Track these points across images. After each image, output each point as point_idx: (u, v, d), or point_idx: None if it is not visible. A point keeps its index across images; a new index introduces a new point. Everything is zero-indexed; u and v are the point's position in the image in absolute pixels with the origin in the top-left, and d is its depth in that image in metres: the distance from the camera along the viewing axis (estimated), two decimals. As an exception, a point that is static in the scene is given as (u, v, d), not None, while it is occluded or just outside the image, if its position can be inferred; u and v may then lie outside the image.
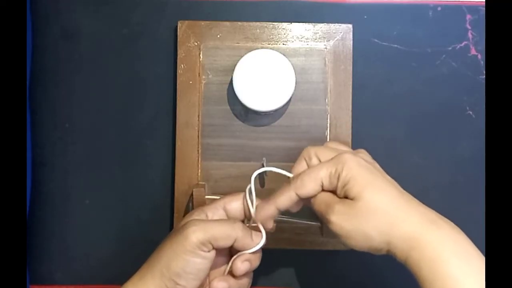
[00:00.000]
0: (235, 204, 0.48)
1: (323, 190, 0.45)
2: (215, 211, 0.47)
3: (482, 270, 0.41)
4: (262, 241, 0.46)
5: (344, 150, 0.48)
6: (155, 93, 0.57)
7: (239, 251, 0.46)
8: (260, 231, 0.47)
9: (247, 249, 0.46)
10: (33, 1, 0.57)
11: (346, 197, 0.44)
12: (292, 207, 0.46)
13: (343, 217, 0.43)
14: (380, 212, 0.42)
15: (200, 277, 0.44)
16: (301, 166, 0.47)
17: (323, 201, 0.45)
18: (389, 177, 0.45)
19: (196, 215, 0.47)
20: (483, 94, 0.56)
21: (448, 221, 0.44)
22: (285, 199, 0.45)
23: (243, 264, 0.46)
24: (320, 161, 0.46)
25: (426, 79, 0.57)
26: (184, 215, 0.55)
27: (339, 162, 0.44)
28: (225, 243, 0.45)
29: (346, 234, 0.43)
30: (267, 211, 0.46)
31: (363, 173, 0.43)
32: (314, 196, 0.45)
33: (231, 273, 0.47)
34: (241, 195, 0.48)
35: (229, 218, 0.48)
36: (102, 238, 0.57)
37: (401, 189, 0.45)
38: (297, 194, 0.45)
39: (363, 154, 0.47)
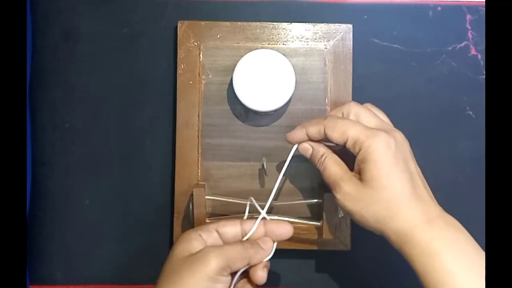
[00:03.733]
0: (229, 229, 0.48)
1: (344, 145, 0.46)
2: (209, 234, 0.47)
3: (478, 265, 0.41)
4: (275, 244, 0.48)
5: (383, 124, 0.48)
6: (155, 93, 0.57)
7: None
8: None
9: (262, 260, 0.47)
10: (33, 1, 0.57)
11: (359, 171, 0.45)
12: (317, 139, 0.49)
13: (348, 197, 0.45)
14: (382, 203, 0.44)
15: None
16: (336, 114, 0.49)
17: (331, 175, 0.47)
18: (411, 166, 0.46)
19: (193, 238, 0.47)
20: (483, 94, 0.56)
21: (450, 219, 0.45)
22: (315, 129, 0.48)
23: (263, 271, 0.47)
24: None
25: (426, 79, 0.57)
26: (184, 216, 0.55)
27: (371, 136, 0.45)
28: (242, 264, 0.46)
29: (347, 211, 0.46)
30: (298, 134, 0.49)
31: (385, 160, 0.44)
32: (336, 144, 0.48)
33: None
34: (237, 221, 0.49)
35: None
36: (102, 238, 0.57)
37: (416, 181, 0.45)
38: (325, 131, 0.47)
39: (398, 134, 0.47)
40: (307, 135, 0.49)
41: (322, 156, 0.48)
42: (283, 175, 0.50)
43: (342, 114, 0.49)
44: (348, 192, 0.45)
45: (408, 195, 0.44)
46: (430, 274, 0.42)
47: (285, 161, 0.50)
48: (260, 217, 0.49)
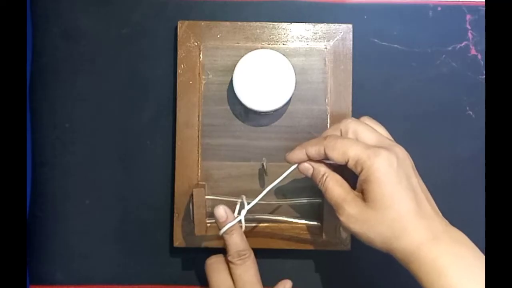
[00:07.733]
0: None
1: (345, 164, 0.46)
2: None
3: (483, 279, 0.41)
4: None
5: (383, 139, 0.47)
6: (155, 93, 0.57)
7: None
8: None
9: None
10: (33, 1, 0.57)
11: (362, 190, 0.45)
12: (317, 159, 0.48)
13: (352, 220, 0.45)
14: (387, 223, 0.44)
15: None
16: (334, 133, 0.48)
17: (333, 197, 0.46)
18: (414, 182, 0.45)
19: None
20: (483, 94, 0.56)
21: (456, 234, 0.44)
22: (315, 150, 0.47)
23: None
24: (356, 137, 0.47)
25: (426, 79, 0.57)
26: (184, 216, 0.55)
27: (372, 156, 0.44)
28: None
29: (352, 232, 0.46)
30: (297, 154, 0.49)
31: (388, 179, 0.44)
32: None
33: None
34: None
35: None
36: (102, 238, 0.57)
37: (420, 198, 0.44)
38: (325, 151, 0.46)
39: (399, 149, 0.46)
40: (307, 155, 0.48)
41: (323, 176, 0.47)
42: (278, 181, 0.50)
43: (340, 132, 0.48)
44: (352, 215, 0.45)
45: (413, 213, 0.43)
46: None
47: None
48: (236, 220, 0.50)
